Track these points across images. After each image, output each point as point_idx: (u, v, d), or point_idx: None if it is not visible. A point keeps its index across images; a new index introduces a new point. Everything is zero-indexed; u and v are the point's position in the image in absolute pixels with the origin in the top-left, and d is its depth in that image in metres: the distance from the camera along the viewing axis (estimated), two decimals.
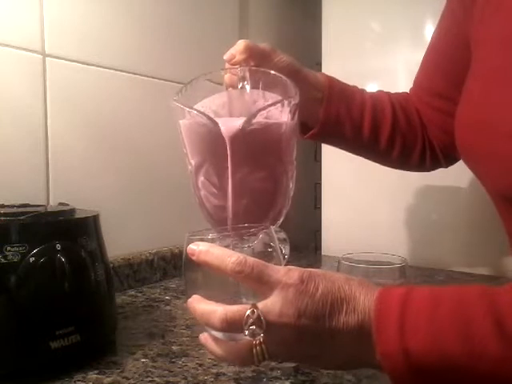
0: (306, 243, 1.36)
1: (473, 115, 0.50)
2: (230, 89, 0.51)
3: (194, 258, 0.40)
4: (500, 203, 0.53)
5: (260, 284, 0.38)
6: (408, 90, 0.71)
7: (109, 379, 0.50)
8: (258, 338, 0.37)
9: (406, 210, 1.09)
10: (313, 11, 1.30)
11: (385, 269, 0.51)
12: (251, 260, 0.38)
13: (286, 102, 0.44)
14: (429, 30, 0.98)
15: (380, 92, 0.69)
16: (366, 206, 1.16)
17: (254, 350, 0.37)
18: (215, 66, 0.53)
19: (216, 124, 0.42)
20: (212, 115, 0.46)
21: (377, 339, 0.35)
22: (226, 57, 0.53)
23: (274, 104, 0.43)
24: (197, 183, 0.48)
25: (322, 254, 1.24)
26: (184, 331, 0.64)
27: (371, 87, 0.70)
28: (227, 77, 0.52)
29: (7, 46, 0.70)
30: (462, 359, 0.34)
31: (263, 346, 0.37)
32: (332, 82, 0.62)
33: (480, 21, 0.52)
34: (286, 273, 0.38)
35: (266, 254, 0.43)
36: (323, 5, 1.21)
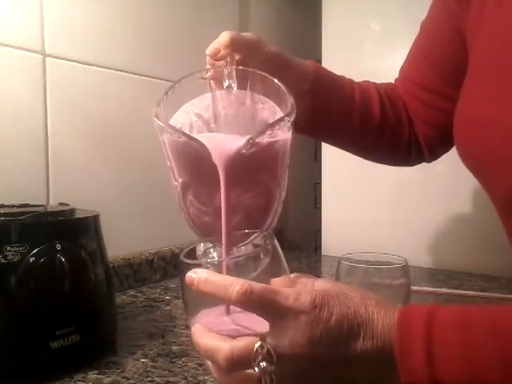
0: (306, 243, 1.36)
1: (478, 113, 0.47)
2: (214, 89, 0.47)
3: (193, 287, 0.36)
4: (501, 204, 0.52)
5: (268, 313, 0.35)
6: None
7: (109, 379, 0.50)
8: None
9: (406, 210, 1.09)
10: (313, 11, 1.31)
11: (385, 269, 0.51)
12: (257, 288, 0.34)
13: (286, 119, 0.40)
14: None
15: (366, 82, 0.65)
16: (366, 206, 1.16)
17: (263, 380, 0.34)
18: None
19: (206, 149, 0.39)
20: (195, 119, 0.44)
21: (401, 367, 0.33)
22: (208, 51, 0.48)
23: (273, 125, 0.39)
24: (184, 201, 0.44)
25: (322, 254, 1.24)
26: (184, 331, 0.64)
27: None
28: (211, 73, 0.47)
29: (7, 45, 0.70)
30: None
31: (273, 376, 0.34)
32: (320, 70, 0.58)
33: (479, 12, 0.50)
34: (296, 299, 0.35)
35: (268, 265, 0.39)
36: (323, 5, 1.21)
